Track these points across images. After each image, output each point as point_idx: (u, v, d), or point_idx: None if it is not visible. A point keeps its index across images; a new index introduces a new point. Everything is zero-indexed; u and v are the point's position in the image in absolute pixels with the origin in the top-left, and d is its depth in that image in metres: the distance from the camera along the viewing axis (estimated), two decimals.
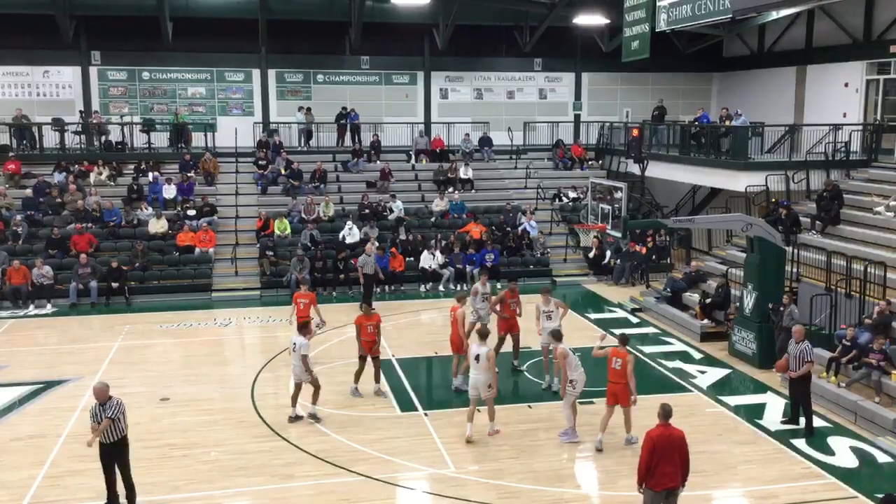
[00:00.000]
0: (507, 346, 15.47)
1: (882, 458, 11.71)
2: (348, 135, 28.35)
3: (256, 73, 28.72)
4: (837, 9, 24.29)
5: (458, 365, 14.35)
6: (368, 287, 20.33)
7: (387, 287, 21.86)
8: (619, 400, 11.74)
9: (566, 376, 11.93)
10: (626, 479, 10.91)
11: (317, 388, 12.90)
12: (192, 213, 24.14)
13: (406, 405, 13.70)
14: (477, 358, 12.03)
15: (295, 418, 12.88)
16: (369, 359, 13.84)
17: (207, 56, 28.28)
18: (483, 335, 12.58)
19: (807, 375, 12.59)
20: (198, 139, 27.56)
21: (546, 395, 14.23)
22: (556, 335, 12.50)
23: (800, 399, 12.73)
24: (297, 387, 12.97)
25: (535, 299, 14.78)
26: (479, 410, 12.70)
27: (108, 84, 28.00)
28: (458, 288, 22.39)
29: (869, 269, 15.72)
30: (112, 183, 25.46)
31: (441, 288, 22.50)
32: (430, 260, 22.76)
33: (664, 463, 8.56)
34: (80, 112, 27.25)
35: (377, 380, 14.13)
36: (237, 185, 26.18)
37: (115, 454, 9.82)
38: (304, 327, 13.04)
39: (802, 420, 12.66)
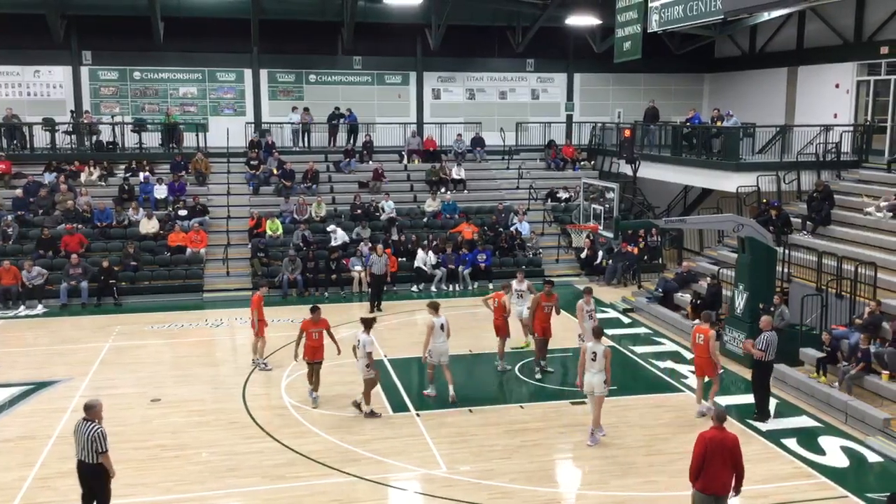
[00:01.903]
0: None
1: (872, 457, 11.76)
2: (342, 135, 28.34)
3: (248, 73, 28.65)
4: (828, 10, 24.37)
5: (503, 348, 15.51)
6: (377, 288, 20.33)
7: None
8: (704, 371, 13.04)
9: (581, 372, 11.98)
10: (617, 480, 10.95)
11: (374, 384, 13.09)
12: (183, 213, 24.06)
13: (398, 406, 13.69)
14: (442, 327, 13.51)
15: (370, 414, 12.99)
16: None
17: (199, 56, 28.19)
18: (435, 307, 13.63)
19: (765, 364, 12.86)
20: (189, 139, 27.49)
21: (537, 395, 14.32)
22: (597, 333, 12.23)
23: (754, 383, 13.12)
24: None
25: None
26: (474, 410, 12.75)
27: (99, 84, 27.89)
28: (450, 288, 22.48)
29: (859, 270, 15.80)
30: (103, 183, 25.37)
31: (433, 288, 22.48)
32: (424, 259, 22.73)
33: (713, 466, 8.56)
34: (71, 112, 27.14)
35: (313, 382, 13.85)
36: (229, 186, 26.10)
37: (94, 476, 8.97)
38: (369, 323, 13.05)
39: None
